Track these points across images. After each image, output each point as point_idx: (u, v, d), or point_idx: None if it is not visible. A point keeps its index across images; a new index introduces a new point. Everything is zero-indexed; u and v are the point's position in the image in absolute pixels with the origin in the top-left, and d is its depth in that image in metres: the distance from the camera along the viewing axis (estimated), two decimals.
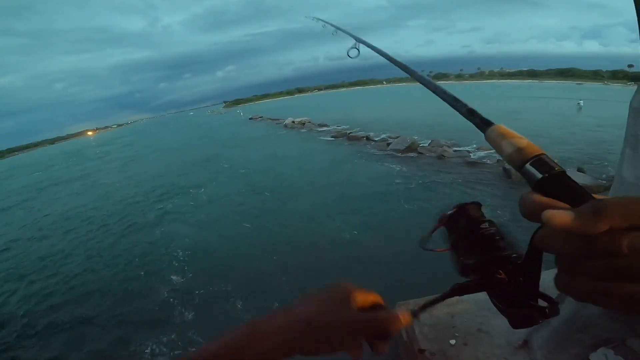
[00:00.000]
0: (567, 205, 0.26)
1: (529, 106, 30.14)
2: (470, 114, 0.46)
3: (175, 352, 4.57)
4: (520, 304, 0.35)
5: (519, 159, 0.34)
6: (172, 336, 4.81)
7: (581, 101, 28.47)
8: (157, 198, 12.75)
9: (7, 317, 6.31)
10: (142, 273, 6.96)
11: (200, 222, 9.56)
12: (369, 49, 1.12)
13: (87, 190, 17.41)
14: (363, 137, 17.76)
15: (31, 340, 5.45)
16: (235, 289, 5.70)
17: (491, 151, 13.09)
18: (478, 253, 0.40)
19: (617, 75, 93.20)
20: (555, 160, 0.33)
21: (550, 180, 0.30)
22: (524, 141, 0.35)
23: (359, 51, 1.27)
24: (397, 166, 12.35)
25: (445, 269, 0.46)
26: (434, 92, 0.58)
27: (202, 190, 12.73)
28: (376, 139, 16.75)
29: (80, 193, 17.18)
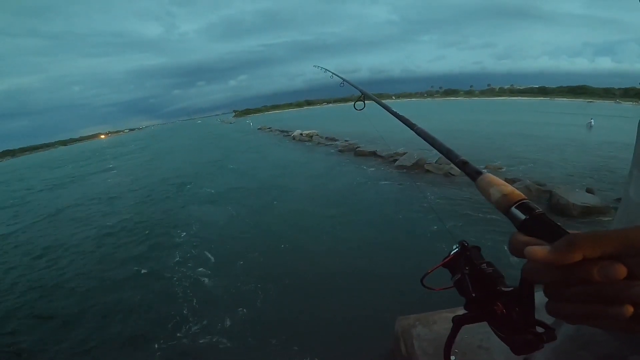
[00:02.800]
0: (546, 242, 0.31)
1: (539, 124, 29.99)
2: (463, 164, 0.52)
3: (187, 257, 7.82)
4: (519, 332, 0.39)
5: (505, 204, 0.39)
6: (185, 255, 7.99)
7: (592, 120, 28.25)
8: (177, 184, 16.35)
9: (84, 237, 10.50)
10: (168, 226, 10.26)
11: (210, 200, 12.87)
12: (374, 102, 1.22)
13: (120, 178, 21.90)
14: (370, 152, 17.76)
15: (96, 247, 9.45)
16: (231, 243, 8.37)
17: (499, 169, 13.18)
18: (479, 290, 0.46)
19: (629, 93, 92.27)
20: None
21: (532, 221, 0.35)
22: (508, 188, 0.40)
23: (364, 104, 1.34)
24: (399, 181, 12.46)
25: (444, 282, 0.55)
26: (432, 144, 0.65)
27: (212, 183, 15.71)
28: (383, 154, 16.72)
29: (113, 179, 22.04)
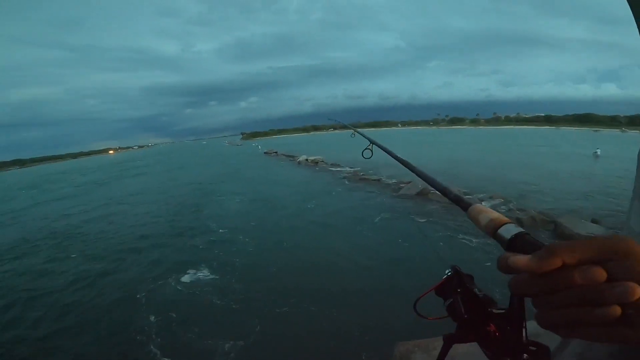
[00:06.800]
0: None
1: (545, 154, 30.01)
2: (457, 198, 0.58)
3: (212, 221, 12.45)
4: (511, 352, 0.39)
5: (492, 227, 0.43)
6: (213, 225, 12.08)
7: (598, 149, 28.22)
8: (199, 187, 21.44)
9: (144, 212, 15.35)
10: (195, 210, 14.89)
11: (225, 199, 17.19)
12: (380, 150, 1.35)
13: (151, 182, 27.93)
14: (375, 180, 17.81)
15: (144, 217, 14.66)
16: (242, 227, 11.48)
17: (504, 200, 13.19)
18: (471, 312, 0.47)
19: (635, 121, 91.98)
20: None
21: (516, 239, 0.39)
22: (495, 214, 0.45)
23: (372, 152, 1.45)
24: (401, 209, 12.59)
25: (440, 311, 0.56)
26: (430, 184, 0.72)
27: (226, 187, 20.43)
28: (388, 182, 16.82)
29: (146, 182, 28.10)
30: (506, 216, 0.46)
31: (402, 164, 1.02)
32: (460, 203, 0.55)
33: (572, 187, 15.28)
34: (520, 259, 0.30)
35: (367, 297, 6.19)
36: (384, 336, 4.63)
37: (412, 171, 0.91)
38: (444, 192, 0.65)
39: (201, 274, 7.85)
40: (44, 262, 9.96)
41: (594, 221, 9.57)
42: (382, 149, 1.33)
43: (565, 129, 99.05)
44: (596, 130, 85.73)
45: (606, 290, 0.27)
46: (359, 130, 2.01)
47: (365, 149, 1.44)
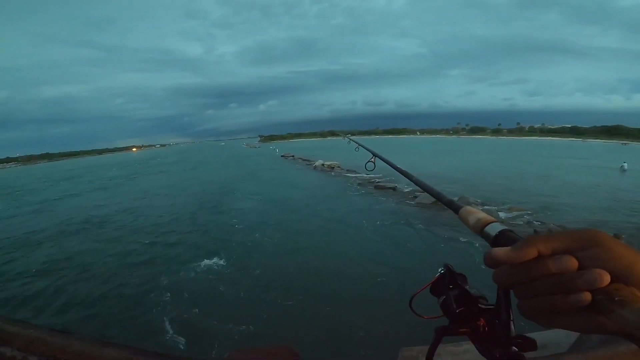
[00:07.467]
0: None
1: (569, 167, 29.07)
2: (449, 202, 0.63)
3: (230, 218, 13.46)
4: (501, 345, 0.42)
5: (479, 226, 0.46)
6: (231, 221, 12.85)
7: (625, 163, 27.08)
8: (219, 184, 23.07)
9: (172, 204, 17.30)
10: (215, 207, 15.82)
11: (243, 198, 18.06)
12: (382, 161, 1.43)
13: (172, 179, 30.45)
14: (390, 187, 17.63)
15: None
16: (258, 225, 12.02)
17: (523, 212, 12.85)
18: (463, 307, 0.49)
19: None
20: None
21: (500, 236, 0.42)
22: (482, 214, 0.48)
23: (374, 164, 1.53)
24: (417, 215, 12.47)
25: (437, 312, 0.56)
26: (425, 190, 0.78)
27: (244, 187, 21.37)
28: (404, 190, 16.61)
29: (168, 178, 31.05)
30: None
31: (402, 173, 1.09)
32: (452, 206, 0.60)
33: (595, 201, 14.77)
34: (501, 251, 0.33)
35: (373, 299, 6.22)
36: (388, 340, 4.68)
37: (410, 180, 0.98)
38: (438, 197, 0.70)
39: (217, 265, 8.48)
40: (77, 248, 10.81)
41: (616, 236, 9.22)
42: (383, 160, 1.40)
43: (592, 141, 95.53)
44: (625, 143, 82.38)
45: (577, 277, 0.29)
46: (362, 144, 2.08)
47: (368, 161, 1.51)
